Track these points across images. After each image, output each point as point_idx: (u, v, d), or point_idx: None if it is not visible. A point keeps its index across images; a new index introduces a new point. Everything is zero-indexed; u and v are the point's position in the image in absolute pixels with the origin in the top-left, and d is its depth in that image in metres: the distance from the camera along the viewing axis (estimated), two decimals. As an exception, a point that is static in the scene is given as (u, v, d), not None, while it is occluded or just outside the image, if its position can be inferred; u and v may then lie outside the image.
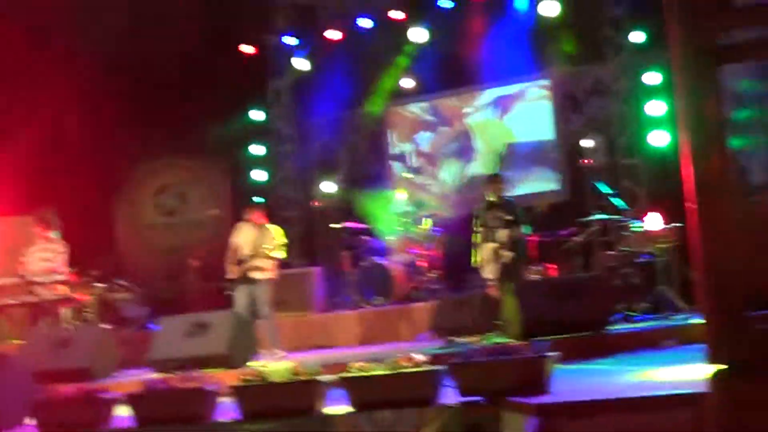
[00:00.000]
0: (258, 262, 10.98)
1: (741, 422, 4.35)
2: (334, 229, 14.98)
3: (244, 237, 11.15)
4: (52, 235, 11.32)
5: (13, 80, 14.45)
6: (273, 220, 15.94)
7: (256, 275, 10.99)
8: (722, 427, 4.45)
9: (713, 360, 4.42)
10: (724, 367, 4.39)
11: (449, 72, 15.60)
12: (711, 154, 4.50)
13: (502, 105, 15.65)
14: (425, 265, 13.32)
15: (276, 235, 11.24)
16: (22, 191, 13.93)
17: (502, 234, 11.14)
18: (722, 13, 4.68)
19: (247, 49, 16.37)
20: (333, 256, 15.50)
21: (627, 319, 10.45)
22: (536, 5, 14.56)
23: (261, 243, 11.04)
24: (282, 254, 11.24)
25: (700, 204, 4.48)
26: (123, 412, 6.94)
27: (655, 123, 13.74)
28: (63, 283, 11.06)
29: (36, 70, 14.33)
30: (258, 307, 10.87)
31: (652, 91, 13.84)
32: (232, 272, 11.05)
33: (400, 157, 16.23)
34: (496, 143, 15.23)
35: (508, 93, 15.62)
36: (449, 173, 15.92)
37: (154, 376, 8.57)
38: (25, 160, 14.04)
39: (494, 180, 11.65)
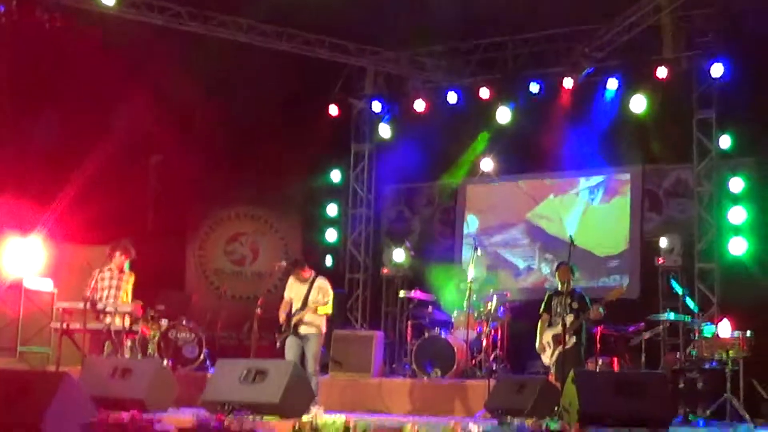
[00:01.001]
0: (307, 317, 11.04)
1: None
2: (401, 297, 15.05)
3: (295, 291, 11.23)
4: (126, 266, 11.53)
5: (100, 113, 14.79)
6: (339, 281, 16.14)
7: (304, 330, 11.05)
8: None
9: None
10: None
11: (529, 155, 15.67)
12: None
13: (579, 194, 15.61)
14: (488, 343, 13.21)
15: (324, 289, 11.25)
16: (98, 222, 14.18)
17: (567, 320, 11.13)
18: None
19: (332, 110, 16.57)
20: (396, 323, 15.52)
21: (688, 423, 10.26)
22: (622, 99, 14.58)
23: (309, 297, 11.10)
24: (329, 309, 11.22)
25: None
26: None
27: (736, 230, 13.58)
28: (129, 314, 11.19)
29: (124, 110, 14.65)
30: (306, 361, 10.89)
31: (735, 198, 13.72)
32: (284, 324, 11.20)
33: (472, 236, 16.16)
34: (570, 232, 15.13)
35: (585, 184, 15.61)
36: (520, 258, 15.87)
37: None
38: (103, 192, 14.31)
39: (563, 269, 11.62)
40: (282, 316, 11.14)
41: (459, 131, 16.01)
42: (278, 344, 11.16)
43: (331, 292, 11.22)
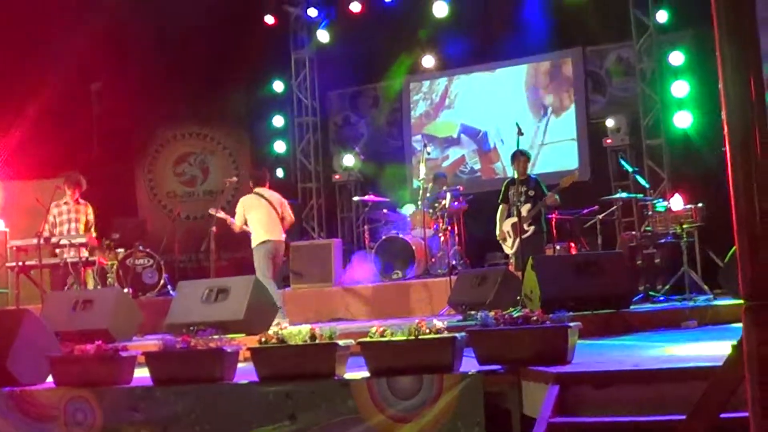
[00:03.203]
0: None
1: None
2: (355, 202, 15.07)
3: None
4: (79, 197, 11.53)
5: (31, 44, 14.43)
6: (292, 192, 16.15)
7: None
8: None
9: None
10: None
11: (470, 47, 15.49)
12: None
13: (522, 81, 15.57)
14: (445, 239, 13.27)
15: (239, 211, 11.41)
16: (44, 157, 13.97)
17: (524, 209, 11.20)
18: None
19: (268, 19, 16.29)
20: (353, 228, 15.55)
21: (649, 299, 10.44)
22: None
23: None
24: (238, 226, 11.38)
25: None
26: (141, 373, 6.93)
27: (680, 104, 13.65)
28: (85, 245, 11.13)
29: (58, 37, 14.31)
30: None
31: (676, 72, 13.76)
32: None
33: (420, 133, 16.14)
34: (516, 120, 15.14)
35: (529, 70, 15.55)
36: (471, 151, 15.88)
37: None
38: (48, 126, 14.07)
39: (518, 156, 11.63)
40: None
41: (397, 29, 15.76)
42: None
43: (237, 211, 11.38)
